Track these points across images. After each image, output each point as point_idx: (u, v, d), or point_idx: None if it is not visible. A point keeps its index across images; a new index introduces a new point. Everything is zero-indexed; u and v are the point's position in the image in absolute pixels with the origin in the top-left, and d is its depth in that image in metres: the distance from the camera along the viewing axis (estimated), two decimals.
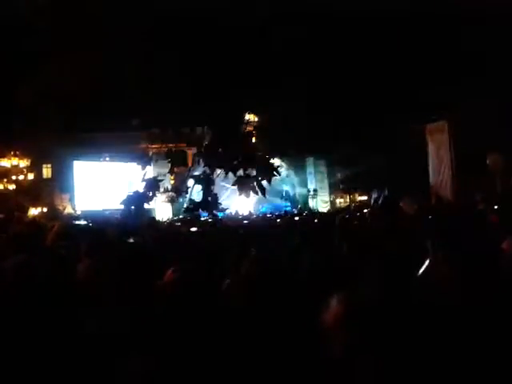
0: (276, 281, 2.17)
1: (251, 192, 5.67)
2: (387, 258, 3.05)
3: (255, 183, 5.19)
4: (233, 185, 5.65)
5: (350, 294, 1.28)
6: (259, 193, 5.64)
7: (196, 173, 5.89)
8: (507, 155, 10.76)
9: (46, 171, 22.55)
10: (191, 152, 7.10)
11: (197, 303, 1.78)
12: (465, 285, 1.57)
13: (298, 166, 22.57)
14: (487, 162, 10.67)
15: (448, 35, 7.98)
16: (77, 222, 11.20)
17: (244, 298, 2.14)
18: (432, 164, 14.76)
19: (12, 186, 19.12)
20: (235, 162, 5.16)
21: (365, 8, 7.70)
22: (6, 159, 19.21)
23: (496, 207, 6.53)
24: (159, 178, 6.05)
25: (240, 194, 5.55)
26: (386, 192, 15.36)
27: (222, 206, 6.02)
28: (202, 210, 5.92)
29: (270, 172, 5.32)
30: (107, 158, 23.53)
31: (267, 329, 1.93)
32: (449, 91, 9.40)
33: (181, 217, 15.19)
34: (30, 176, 19.95)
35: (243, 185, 5.58)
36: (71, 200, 21.40)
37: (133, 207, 5.24)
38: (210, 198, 5.60)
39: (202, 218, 10.16)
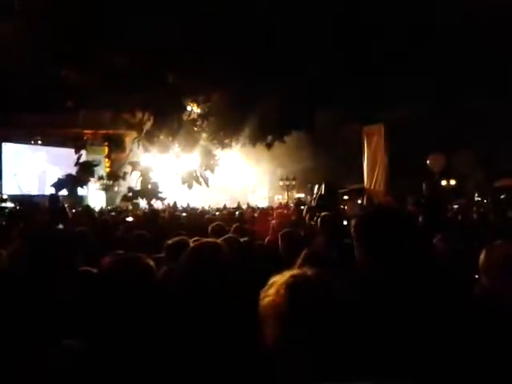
0: (218, 270, 2.16)
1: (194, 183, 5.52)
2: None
3: (198, 173, 5.09)
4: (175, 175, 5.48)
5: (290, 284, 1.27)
6: (202, 184, 5.49)
7: (135, 159, 5.67)
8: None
9: None
10: (129, 137, 6.81)
11: (131, 289, 1.73)
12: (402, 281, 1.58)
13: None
14: (428, 162, 11.05)
15: (382, 36, 8.09)
16: (3, 205, 10.56)
17: (182, 284, 2.12)
18: (367, 165, 15.27)
19: None
20: (177, 150, 5.06)
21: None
22: None
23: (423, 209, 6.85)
24: (94, 163, 5.79)
25: (183, 184, 5.38)
26: (323, 190, 15.70)
27: (162, 195, 5.82)
28: (141, 198, 5.70)
29: (212, 162, 5.22)
30: (39, 141, 22.33)
31: (204, 315, 1.91)
32: (385, 94, 9.70)
33: (116, 205, 14.69)
34: None
35: (186, 174, 5.43)
36: None
37: (65, 191, 4.99)
38: (149, 186, 5.41)
39: (141, 207, 9.89)
